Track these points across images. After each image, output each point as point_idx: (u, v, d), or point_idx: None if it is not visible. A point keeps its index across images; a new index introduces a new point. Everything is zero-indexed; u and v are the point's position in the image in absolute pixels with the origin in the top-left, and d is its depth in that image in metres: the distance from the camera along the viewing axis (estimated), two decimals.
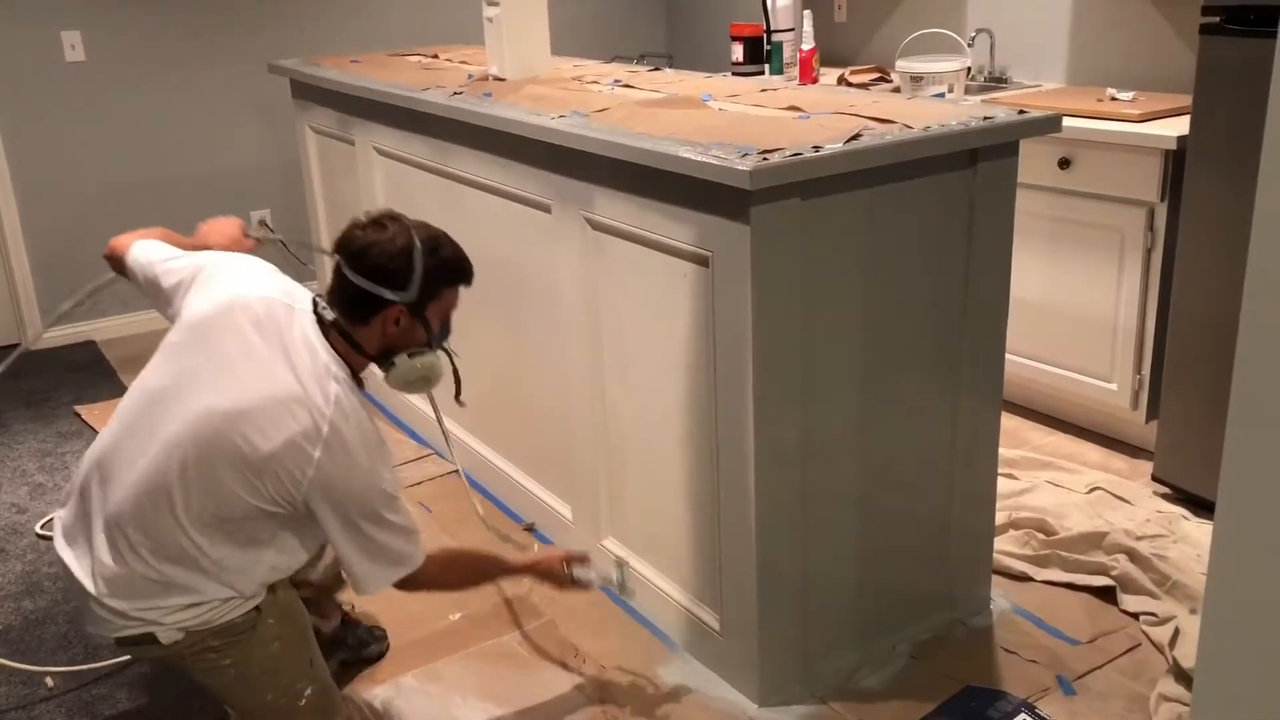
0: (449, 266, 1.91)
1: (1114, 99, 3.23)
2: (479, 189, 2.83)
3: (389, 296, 1.85)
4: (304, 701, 2.00)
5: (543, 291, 2.63)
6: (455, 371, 2.05)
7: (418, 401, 3.47)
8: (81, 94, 4.32)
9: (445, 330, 1.99)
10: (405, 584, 1.96)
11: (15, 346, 4.40)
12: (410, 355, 1.92)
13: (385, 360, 1.92)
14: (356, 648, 2.40)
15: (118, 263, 2.14)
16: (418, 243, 1.86)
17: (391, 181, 3.33)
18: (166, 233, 2.18)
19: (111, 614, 1.86)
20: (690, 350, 2.17)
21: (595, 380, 2.51)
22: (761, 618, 2.17)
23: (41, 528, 3.06)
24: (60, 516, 1.97)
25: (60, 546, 1.94)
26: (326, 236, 3.92)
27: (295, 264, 2.02)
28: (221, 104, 4.59)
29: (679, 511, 2.35)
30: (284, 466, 1.78)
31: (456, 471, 3.27)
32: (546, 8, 3.01)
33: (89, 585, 1.86)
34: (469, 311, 3.02)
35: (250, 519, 1.83)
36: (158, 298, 2.05)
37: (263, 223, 4.57)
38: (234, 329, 1.86)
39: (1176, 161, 2.85)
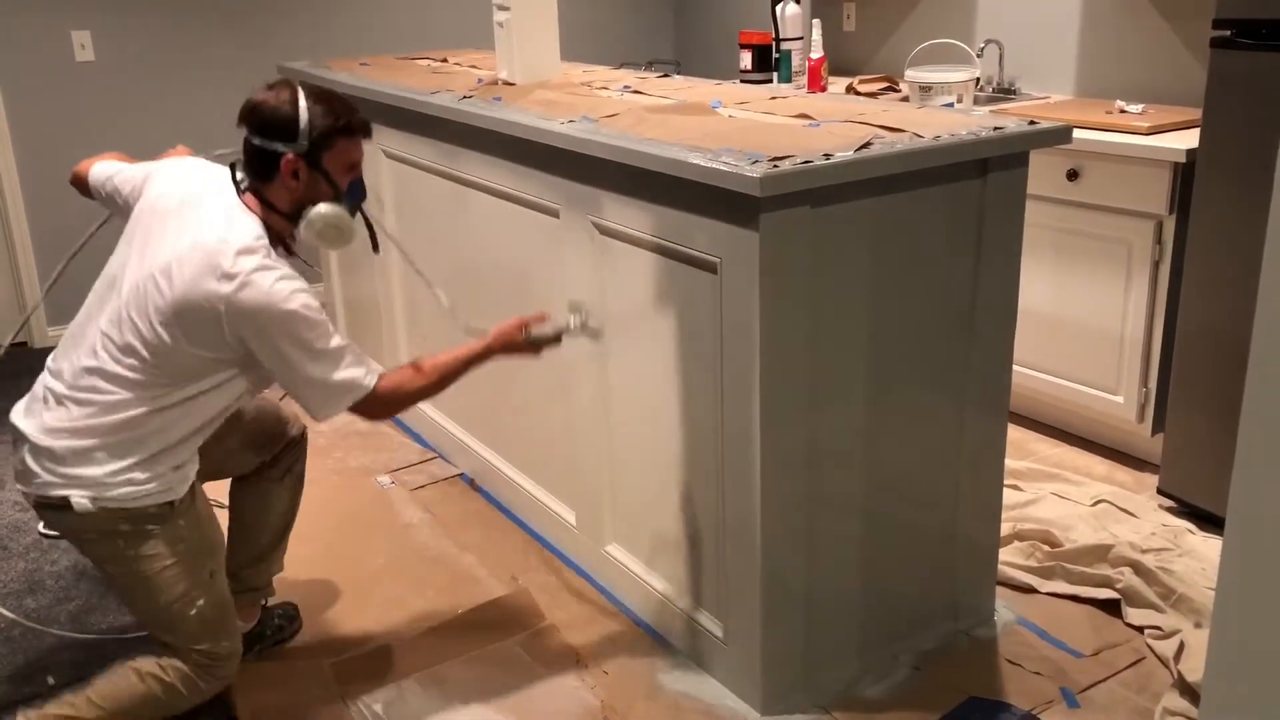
0: (335, 114, 1.99)
1: (1123, 111, 3.23)
2: (487, 193, 2.84)
3: (281, 149, 1.96)
4: (194, 611, 2.05)
5: (550, 296, 2.63)
6: (368, 223, 2.14)
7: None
8: (91, 94, 4.33)
9: (359, 189, 2.07)
10: (369, 409, 2.04)
11: (22, 345, 4.43)
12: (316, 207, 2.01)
13: (298, 217, 2.01)
14: (274, 635, 2.50)
15: (82, 185, 2.31)
16: (302, 96, 1.97)
17: (399, 184, 3.33)
18: (124, 156, 2.33)
19: (38, 463, 1.96)
20: (697, 357, 2.17)
21: (601, 385, 2.51)
22: (765, 626, 2.17)
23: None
24: (19, 405, 2.08)
25: (16, 417, 2.03)
26: None
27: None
28: (231, 105, 4.47)
29: (683, 518, 2.35)
30: (197, 304, 1.89)
31: (459, 475, 3.27)
32: (556, 13, 3.01)
33: (28, 429, 1.98)
34: (473, 313, 3.03)
35: (192, 360, 1.95)
36: (117, 208, 2.21)
37: None
38: (163, 211, 2.02)
39: (1185, 175, 2.85)
